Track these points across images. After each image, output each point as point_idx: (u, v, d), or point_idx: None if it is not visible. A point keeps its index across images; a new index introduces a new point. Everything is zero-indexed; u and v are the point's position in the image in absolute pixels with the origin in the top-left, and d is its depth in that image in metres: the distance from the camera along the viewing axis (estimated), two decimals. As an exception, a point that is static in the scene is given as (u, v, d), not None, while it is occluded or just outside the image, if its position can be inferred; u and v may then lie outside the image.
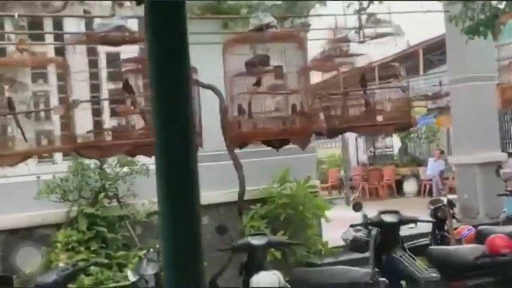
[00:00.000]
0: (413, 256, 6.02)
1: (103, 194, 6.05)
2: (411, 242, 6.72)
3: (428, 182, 16.49)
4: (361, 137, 21.66)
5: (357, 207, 6.22)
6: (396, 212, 6.12)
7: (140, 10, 4.65)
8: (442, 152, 15.99)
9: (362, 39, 4.62)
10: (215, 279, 5.86)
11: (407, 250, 6.09)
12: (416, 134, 18.54)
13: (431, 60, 17.87)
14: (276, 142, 4.50)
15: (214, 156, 6.81)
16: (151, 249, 5.14)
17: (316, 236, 7.28)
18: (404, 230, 6.91)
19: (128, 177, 6.26)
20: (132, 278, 4.84)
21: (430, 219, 6.16)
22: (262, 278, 5.42)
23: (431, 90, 14.75)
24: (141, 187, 6.58)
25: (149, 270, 4.84)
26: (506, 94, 4.54)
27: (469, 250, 5.66)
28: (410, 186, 17.42)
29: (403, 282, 5.98)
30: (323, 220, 7.66)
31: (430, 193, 15.62)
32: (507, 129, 17.16)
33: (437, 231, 6.67)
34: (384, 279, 5.00)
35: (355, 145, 22.14)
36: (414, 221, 6.10)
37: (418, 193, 16.72)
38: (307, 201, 7.01)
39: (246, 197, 7.37)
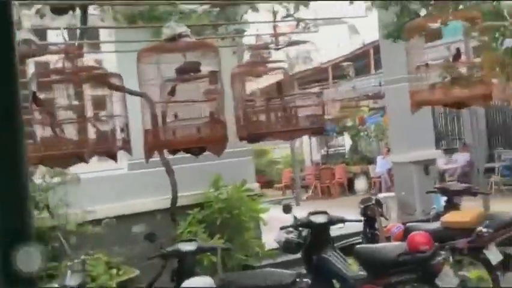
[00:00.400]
0: (342, 255, 6.18)
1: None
2: (345, 241, 6.89)
3: (378, 179, 16.83)
4: (313, 137, 21.99)
5: (286, 209, 6.34)
6: (324, 213, 6.27)
7: (57, 22, 4.62)
8: (389, 150, 16.33)
9: (277, 46, 4.72)
10: (149, 287, 5.91)
11: (337, 249, 6.24)
12: (365, 132, 18.88)
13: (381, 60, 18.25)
14: (196, 150, 4.58)
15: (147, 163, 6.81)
16: (76, 260, 5.12)
17: (254, 238, 7.38)
18: (340, 230, 7.08)
19: (58, 187, 6.25)
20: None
21: (358, 218, 6.31)
22: (192, 284, 5.49)
23: (372, 91, 15.08)
24: (76, 197, 6.57)
25: (72, 281, 4.82)
26: (414, 97, 4.71)
27: (392, 248, 5.83)
28: (360, 183, 17.75)
29: (334, 281, 6.14)
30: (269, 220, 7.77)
31: (380, 190, 15.95)
32: (453, 127, 17.65)
33: (368, 230, 6.85)
34: (307, 280, 5.13)
35: (309, 145, 22.40)
36: (343, 220, 6.25)
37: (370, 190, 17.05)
38: (243, 205, 7.11)
39: (184, 203, 7.43)
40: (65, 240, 6.23)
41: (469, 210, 6.71)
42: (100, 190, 6.95)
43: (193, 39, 4.57)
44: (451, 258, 6.24)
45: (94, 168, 6.79)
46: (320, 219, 6.19)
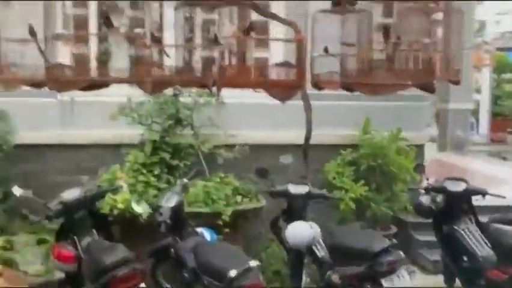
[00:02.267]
0: (479, 231, 5.31)
1: (172, 122, 6.26)
2: (500, 215, 5.87)
3: None
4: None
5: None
6: (463, 180, 5.40)
7: None
8: None
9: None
10: (275, 222, 5.88)
11: (475, 223, 5.38)
12: None
13: None
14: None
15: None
16: (178, 182, 5.22)
17: (405, 192, 6.73)
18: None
19: (203, 107, 6.40)
20: (136, 208, 4.98)
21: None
22: (295, 228, 5.31)
23: None
24: (227, 119, 6.71)
25: (168, 203, 4.92)
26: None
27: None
28: None
29: (465, 258, 5.36)
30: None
31: None
32: None
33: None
34: (398, 251, 4.53)
35: None
36: (483, 193, 5.31)
37: None
38: (391, 155, 6.48)
39: (341, 142, 7.08)
40: (204, 159, 6.43)
41: None
42: (251, 117, 6.97)
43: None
44: None
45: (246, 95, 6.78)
46: (455, 186, 5.38)
